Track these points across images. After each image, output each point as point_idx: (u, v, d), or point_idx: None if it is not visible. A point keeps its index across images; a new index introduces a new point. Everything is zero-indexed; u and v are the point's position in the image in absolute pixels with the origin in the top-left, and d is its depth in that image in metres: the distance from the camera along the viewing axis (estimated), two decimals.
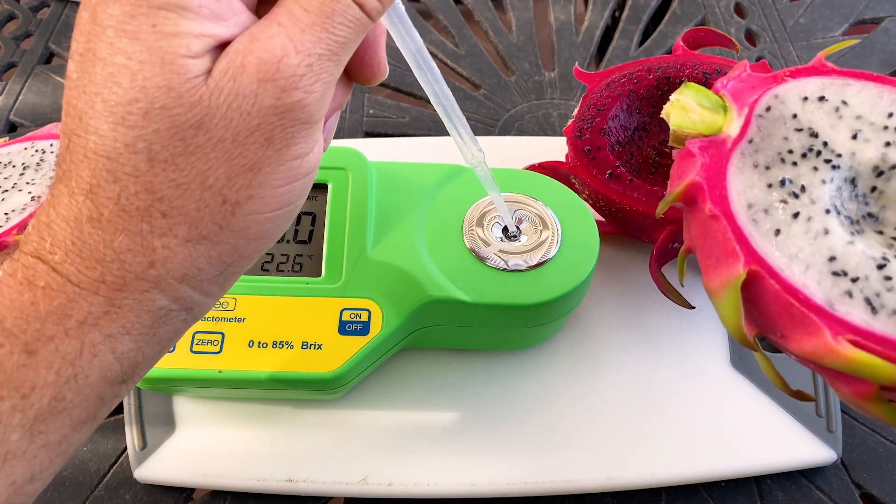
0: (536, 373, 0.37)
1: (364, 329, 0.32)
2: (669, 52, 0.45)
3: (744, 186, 0.21)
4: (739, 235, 0.20)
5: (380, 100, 0.51)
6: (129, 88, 0.17)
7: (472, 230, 0.34)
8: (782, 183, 0.21)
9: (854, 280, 0.19)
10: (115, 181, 0.18)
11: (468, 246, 0.33)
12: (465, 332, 0.35)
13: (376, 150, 0.41)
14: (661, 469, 0.34)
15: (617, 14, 0.58)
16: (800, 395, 0.21)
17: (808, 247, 0.20)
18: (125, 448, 0.36)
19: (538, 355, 0.37)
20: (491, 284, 0.32)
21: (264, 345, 0.31)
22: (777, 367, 0.22)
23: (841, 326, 0.18)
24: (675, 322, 0.38)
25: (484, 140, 0.46)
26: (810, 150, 0.21)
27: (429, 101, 0.51)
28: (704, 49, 0.42)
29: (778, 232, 0.20)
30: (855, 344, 0.18)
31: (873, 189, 0.21)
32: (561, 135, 0.49)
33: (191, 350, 0.31)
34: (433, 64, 0.25)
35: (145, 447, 0.34)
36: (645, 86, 0.39)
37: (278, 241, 0.34)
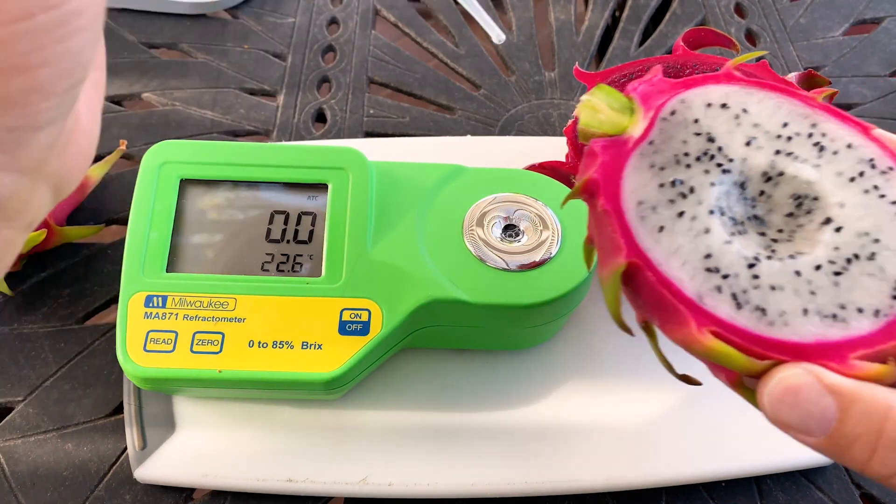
0: (537, 373, 0.37)
1: (364, 329, 0.32)
2: (670, 52, 0.45)
3: (637, 185, 0.22)
4: (625, 230, 0.21)
5: (380, 100, 0.51)
6: None
7: (472, 230, 0.34)
8: (673, 183, 0.22)
9: (725, 277, 0.20)
10: None
11: (468, 246, 0.33)
12: (465, 332, 0.35)
13: (376, 150, 0.41)
14: (661, 469, 0.34)
15: (617, 14, 0.58)
16: (685, 379, 0.23)
17: (688, 244, 0.21)
18: (125, 448, 0.36)
19: (538, 355, 0.37)
20: (491, 284, 0.32)
21: (264, 345, 0.31)
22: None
23: (706, 318, 0.20)
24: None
25: (484, 140, 0.46)
26: (705, 153, 0.22)
27: (429, 101, 0.51)
28: (705, 49, 0.42)
29: (661, 229, 0.21)
30: (716, 335, 0.20)
31: (762, 193, 0.22)
32: (561, 135, 0.49)
33: (191, 350, 0.31)
34: None
35: (145, 447, 0.34)
36: None
37: (278, 242, 0.34)
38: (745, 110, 0.23)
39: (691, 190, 0.22)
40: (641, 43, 0.56)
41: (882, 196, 0.21)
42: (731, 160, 0.22)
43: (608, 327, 0.38)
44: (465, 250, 0.33)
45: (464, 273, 0.33)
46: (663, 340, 0.22)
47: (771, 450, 0.34)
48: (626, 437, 0.35)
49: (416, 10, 0.57)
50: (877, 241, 0.21)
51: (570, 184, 0.37)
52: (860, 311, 0.20)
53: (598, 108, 0.23)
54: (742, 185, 0.23)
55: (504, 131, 0.50)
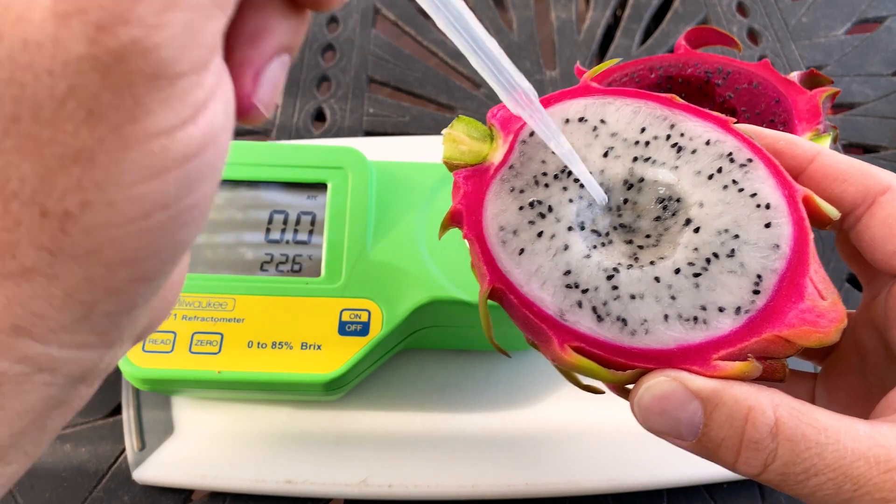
0: (537, 374, 0.37)
1: (364, 329, 0.32)
2: (671, 51, 0.45)
3: (498, 210, 0.22)
4: (487, 256, 0.22)
5: (380, 99, 0.51)
6: None
7: None
8: (531, 204, 0.22)
9: (584, 291, 0.21)
10: None
11: (468, 245, 0.33)
12: (465, 333, 0.35)
13: (376, 149, 0.41)
14: (662, 470, 0.34)
15: (618, 13, 0.58)
16: (589, 389, 0.23)
17: (547, 263, 0.21)
18: (124, 449, 0.35)
19: (538, 356, 0.37)
20: None
21: (263, 345, 0.31)
22: None
23: (568, 335, 0.20)
24: None
25: None
26: (563, 170, 0.22)
27: (429, 101, 0.51)
28: (706, 48, 0.42)
29: (522, 251, 0.21)
30: (578, 350, 0.20)
31: (626, 201, 0.22)
32: None
33: (190, 351, 0.31)
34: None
35: (144, 448, 0.34)
36: (647, 85, 0.39)
37: (277, 242, 0.34)
38: (602, 121, 0.23)
39: (549, 209, 0.22)
40: (643, 42, 0.55)
41: (741, 190, 0.21)
42: (589, 173, 0.22)
43: None
44: (465, 250, 0.33)
45: (464, 273, 0.32)
46: None
47: None
48: (627, 438, 0.35)
49: (416, 9, 0.57)
50: (736, 236, 0.20)
51: None
52: (721, 310, 0.20)
53: (458, 139, 0.23)
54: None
55: None
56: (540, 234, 0.22)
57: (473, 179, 0.23)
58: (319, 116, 0.50)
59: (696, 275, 0.20)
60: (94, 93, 0.12)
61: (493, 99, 0.51)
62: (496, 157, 0.23)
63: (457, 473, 0.33)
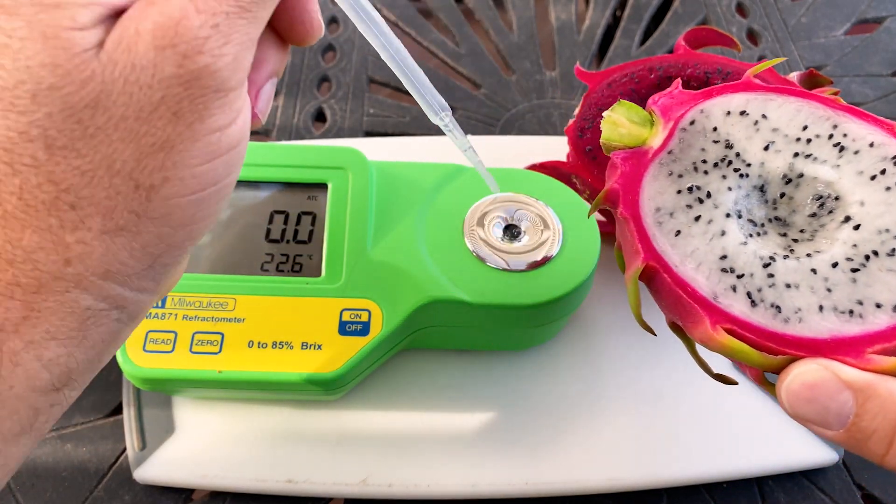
0: (537, 373, 0.37)
1: (364, 329, 0.32)
2: (671, 52, 0.45)
3: (655, 192, 0.23)
4: (643, 235, 0.22)
5: (380, 99, 0.51)
6: (12, 70, 0.16)
7: (472, 230, 0.34)
8: (690, 189, 0.23)
9: (740, 276, 0.21)
10: (13, 173, 0.16)
11: (469, 246, 0.33)
12: (465, 333, 0.35)
13: (376, 149, 0.41)
14: (662, 470, 0.34)
15: (618, 13, 0.58)
16: (721, 378, 0.23)
17: (704, 246, 0.22)
18: (124, 449, 0.35)
19: (539, 356, 0.37)
20: (491, 284, 0.32)
21: (264, 345, 0.31)
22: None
23: (721, 316, 0.21)
24: (664, 325, 0.38)
25: (485, 139, 0.46)
26: (723, 159, 0.23)
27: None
28: (706, 48, 0.42)
29: (678, 233, 0.22)
30: (731, 332, 0.20)
31: (783, 195, 0.23)
32: (562, 134, 0.49)
33: (190, 350, 0.31)
34: (373, 11, 0.23)
35: (144, 448, 0.34)
36: (646, 85, 0.39)
37: (277, 241, 0.34)
38: (764, 116, 0.24)
39: (708, 195, 0.23)
40: (643, 42, 0.55)
41: None
42: (748, 165, 0.23)
43: (608, 327, 0.38)
44: (465, 250, 0.33)
45: (464, 273, 0.33)
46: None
47: (772, 450, 0.34)
48: (626, 437, 0.35)
49: (416, 10, 0.57)
50: None
51: (570, 183, 0.37)
52: (878, 306, 0.20)
53: (618, 122, 0.24)
54: (762, 189, 0.23)
55: (505, 131, 0.49)
56: (697, 218, 0.22)
57: (631, 161, 0.24)
58: (320, 117, 0.50)
59: (854, 270, 0.21)
60: (178, 100, 0.17)
61: (493, 99, 0.51)
62: (655, 141, 0.24)
63: (457, 473, 0.34)
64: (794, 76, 0.36)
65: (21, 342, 0.17)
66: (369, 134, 0.49)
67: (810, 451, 0.34)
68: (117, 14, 0.17)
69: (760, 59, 0.52)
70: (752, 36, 0.56)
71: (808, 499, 0.35)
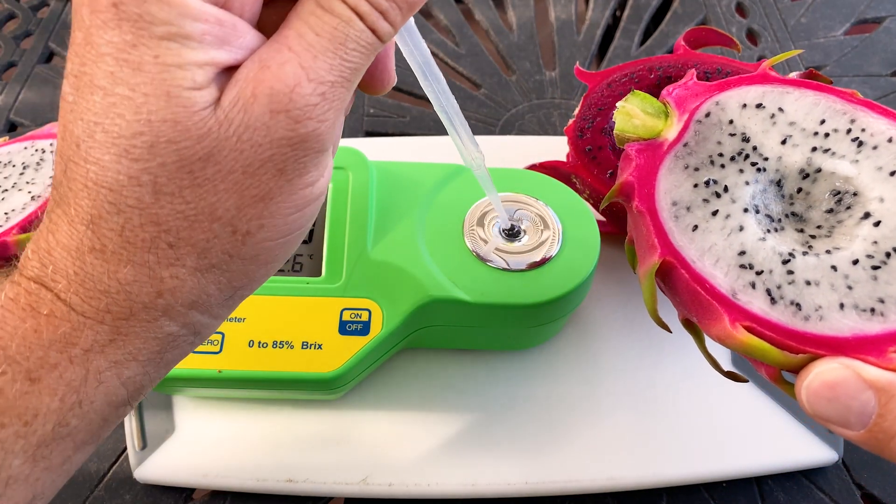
0: (537, 373, 0.37)
1: (364, 329, 0.32)
2: (671, 52, 0.45)
3: (671, 186, 0.22)
4: (659, 229, 0.22)
5: (380, 99, 0.51)
6: (132, 121, 0.17)
7: (472, 230, 0.34)
8: (707, 183, 0.22)
9: (759, 273, 0.21)
10: (117, 213, 0.17)
11: (469, 246, 0.33)
12: (465, 333, 0.35)
13: (376, 149, 0.41)
14: (662, 469, 0.34)
15: (618, 13, 0.58)
16: (731, 376, 0.23)
17: (722, 241, 0.21)
18: (125, 448, 0.35)
19: (539, 355, 0.37)
20: (491, 284, 0.32)
21: (264, 345, 0.31)
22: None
23: (740, 314, 0.20)
24: (676, 322, 0.38)
25: (484, 139, 0.46)
26: (740, 153, 0.23)
27: (429, 101, 0.51)
28: (706, 48, 0.42)
29: (695, 227, 0.22)
30: (750, 330, 0.20)
31: (800, 190, 0.23)
32: (562, 134, 0.49)
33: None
34: (439, 73, 0.24)
35: (145, 447, 0.34)
36: (646, 85, 0.39)
37: None
38: (780, 109, 0.23)
39: (725, 189, 0.22)
40: (643, 42, 0.56)
41: None
42: (765, 159, 0.23)
43: (608, 327, 0.38)
44: (465, 250, 0.33)
45: (464, 273, 0.33)
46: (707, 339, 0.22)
47: (772, 450, 0.34)
48: (626, 437, 0.35)
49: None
50: None
51: (570, 183, 0.37)
52: None
53: (632, 113, 0.24)
54: (779, 183, 0.23)
55: (504, 131, 0.49)
56: (715, 213, 0.22)
57: (646, 153, 0.23)
58: None
59: (875, 267, 0.20)
60: (284, 159, 0.18)
61: (493, 99, 0.51)
62: (670, 133, 0.23)
63: (457, 472, 0.34)
64: (793, 76, 0.36)
65: (106, 362, 0.18)
66: (369, 134, 0.49)
67: (810, 451, 0.34)
68: (229, 70, 0.18)
69: (760, 59, 0.52)
70: (752, 36, 0.56)
71: (807, 498, 0.35)
